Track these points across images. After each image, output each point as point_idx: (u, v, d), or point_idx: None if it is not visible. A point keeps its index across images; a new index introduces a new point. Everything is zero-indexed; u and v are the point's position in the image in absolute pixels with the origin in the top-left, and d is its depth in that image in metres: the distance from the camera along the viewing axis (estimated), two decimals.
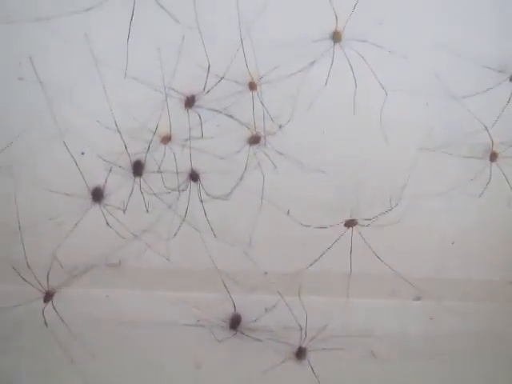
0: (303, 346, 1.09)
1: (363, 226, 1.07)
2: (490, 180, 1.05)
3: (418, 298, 1.15)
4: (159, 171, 1.02)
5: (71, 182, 1.03)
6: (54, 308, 1.07)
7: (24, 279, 1.04)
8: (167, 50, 0.95)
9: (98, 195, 1.05)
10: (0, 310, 1.07)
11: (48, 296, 1.09)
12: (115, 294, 1.12)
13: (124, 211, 1.03)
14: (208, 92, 0.96)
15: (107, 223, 1.05)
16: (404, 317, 1.15)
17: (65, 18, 0.92)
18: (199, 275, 1.11)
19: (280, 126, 1.01)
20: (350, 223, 1.08)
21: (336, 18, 0.93)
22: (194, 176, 1.05)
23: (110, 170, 1.01)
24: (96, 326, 1.08)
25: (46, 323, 1.06)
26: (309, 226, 1.06)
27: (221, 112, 0.98)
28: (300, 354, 1.09)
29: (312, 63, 0.96)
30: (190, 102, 0.99)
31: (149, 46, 0.94)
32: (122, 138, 0.99)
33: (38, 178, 1.02)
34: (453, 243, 1.12)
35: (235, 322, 1.12)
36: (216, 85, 0.96)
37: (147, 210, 1.04)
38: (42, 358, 1.06)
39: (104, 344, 1.07)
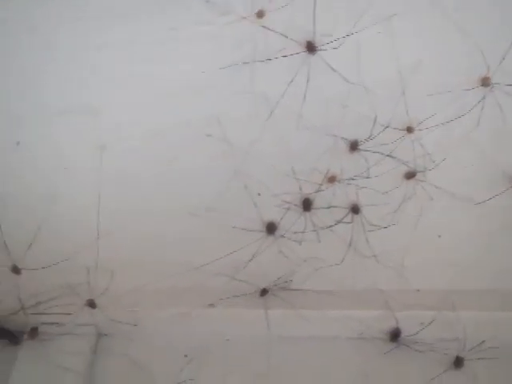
0: (461, 355, 1.22)
1: None
2: None
3: None
4: (328, 207, 1.17)
5: (250, 218, 1.20)
6: None
7: None
8: (334, 104, 1.10)
9: (272, 229, 1.21)
10: None
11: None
12: (286, 314, 1.28)
13: (300, 243, 1.19)
14: (373, 138, 1.11)
15: (280, 251, 1.21)
16: None
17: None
18: (361, 294, 1.26)
19: (435, 162, 1.13)
20: None
21: (488, 67, 1.05)
22: (355, 209, 1.19)
23: (288, 209, 1.17)
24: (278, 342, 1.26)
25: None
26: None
27: (381, 153, 1.12)
28: (458, 363, 1.21)
29: (463, 109, 1.08)
30: (354, 146, 1.13)
31: (318, 100, 1.10)
32: (296, 180, 1.14)
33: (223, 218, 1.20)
34: None
35: (395, 336, 1.26)
36: (380, 132, 1.10)
37: (319, 241, 1.19)
38: None
39: (283, 358, 1.25)
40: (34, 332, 1.24)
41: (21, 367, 1.19)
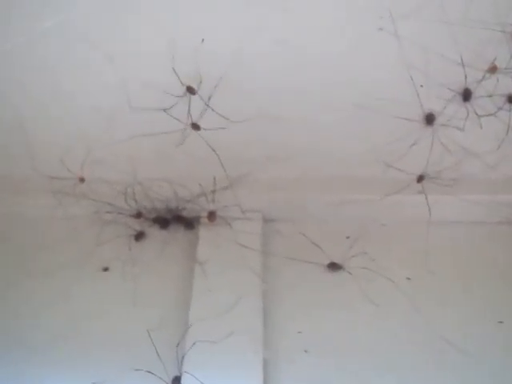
0: None
1: None
2: None
3: None
4: (489, 95, 1.26)
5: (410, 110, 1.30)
6: None
7: None
8: None
9: (430, 119, 1.30)
10: None
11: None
12: (438, 199, 1.38)
13: (462, 130, 1.28)
14: None
15: (439, 141, 1.31)
16: None
17: None
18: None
19: None
20: None
21: None
22: (511, 98, 1.27)
23: (452, 98, 1.26)
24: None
25: None
26: None
27: None
28: None
29: None
30: None
31: None
32: (462, 68, 1.22)
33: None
34: None
35: None
36: None
37: (481, 127, 1.28)
38: None
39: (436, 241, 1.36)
40: (212, 215, 1.38)
41: (204, 243, 1.35)
